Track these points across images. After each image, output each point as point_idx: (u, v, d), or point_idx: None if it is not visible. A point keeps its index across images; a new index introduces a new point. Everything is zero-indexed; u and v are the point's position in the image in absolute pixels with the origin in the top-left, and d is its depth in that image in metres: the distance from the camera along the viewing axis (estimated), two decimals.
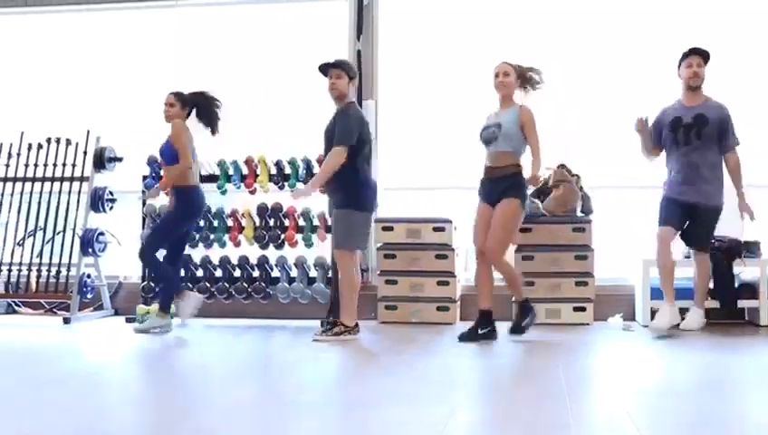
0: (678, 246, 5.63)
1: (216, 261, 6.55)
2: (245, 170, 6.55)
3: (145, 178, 6.59)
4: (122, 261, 6.86)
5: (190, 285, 6.49)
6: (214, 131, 5.81)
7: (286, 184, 6.47)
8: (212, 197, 6.51)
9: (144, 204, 6.57)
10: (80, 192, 6.78)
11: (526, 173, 5.09)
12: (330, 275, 6.31)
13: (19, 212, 6.87)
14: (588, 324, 5.95)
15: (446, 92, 6.77)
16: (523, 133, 5.07)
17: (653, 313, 5.58)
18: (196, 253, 6.61)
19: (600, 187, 6.48)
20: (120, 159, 6.87)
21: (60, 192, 6.81)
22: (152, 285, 6.45)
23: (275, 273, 6.51)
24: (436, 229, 6.23)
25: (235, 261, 6.52)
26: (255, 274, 6.51)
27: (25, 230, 6.87)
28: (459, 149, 6.36)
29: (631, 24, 6.65)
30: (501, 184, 5.08)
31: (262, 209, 6.50)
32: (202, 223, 6.50)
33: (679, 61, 5.44)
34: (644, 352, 4.78)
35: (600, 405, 3.30)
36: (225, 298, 6.50)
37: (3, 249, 6.79)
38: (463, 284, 6.49)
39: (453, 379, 3.85)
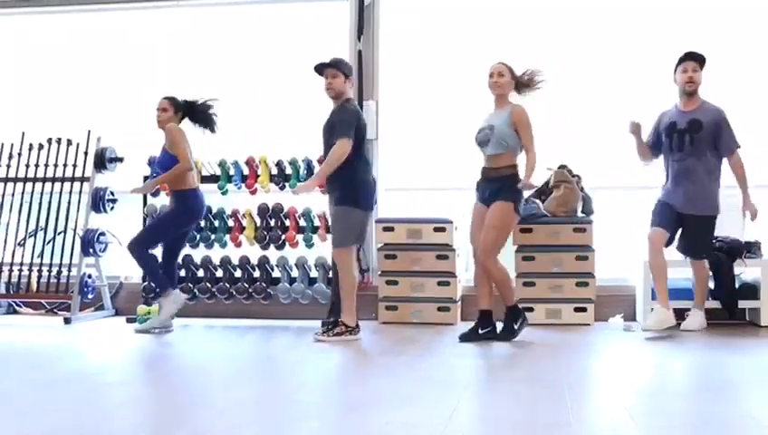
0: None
1: (216, 261, 6.55)
2: (246, 171, 6.56)
3: (146, 178, 6.59)
4: (123, 261, 6.85)
5: (191, 286, 6.50)
6: (213, 130, 5.82)
7: (287, 184, 6.47)
8: (213, 197, 6.51)
9: (145, 204, 6.57)
10: (81, 192, 6.78)
11: (523, 173, 5.08)
12: (330, 275, 6.31)
13: (20, 212, 6.87)
14: (589, 325, 5.95)
15: (447, 93, 6.76)
16: (518, 133, 5.07)
17: None
18: (197, 253, 6.61)
19: (600, 187, 6.48)
20: (120, 160, 6.88)
21: (61, 192, 6.81)
22: (152, 285, 6.45)
23: (276, 273, 6.51)
24: (436, 230, 6.23)
25: (235, 261, 6.52)
26: (256, 274, 6.51)
27: (26, 230, 6.87)
28: (460, 149, 6.35)
29: (633, 24, 6.64)
30: (495, 185, 5.08)
31: (263, 210, 6.50)
32: (203, 223, 6.50)
33: (675, 66, 5.43)
34: (645, 352, 4.77)
35: (601, 405, 3.30)
36: (225, 298, 6.51)
37: (4, 249, 6.79)
38: (463, 284, 6.49)
39: (453, 379, 3.85)
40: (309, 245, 6.43)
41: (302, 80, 5.45)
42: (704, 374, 4.07)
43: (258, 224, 6.52)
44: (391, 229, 6.30)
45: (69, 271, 6.63)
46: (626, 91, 6.49)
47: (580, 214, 6.21)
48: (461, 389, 3.53)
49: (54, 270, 6.64)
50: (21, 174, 6.91)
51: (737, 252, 5.87)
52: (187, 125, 5.82)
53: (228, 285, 6.50)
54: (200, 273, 6.60)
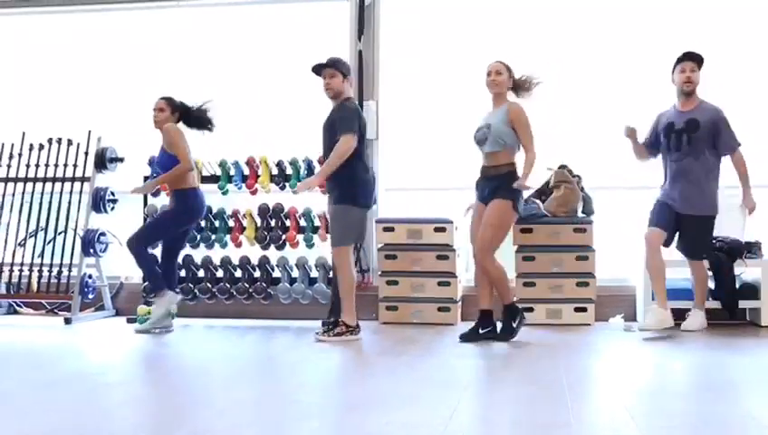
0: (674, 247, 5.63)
1: (217, 261, 6.55)
2: (247, 171, 6.56)
3: (146, 178, 6.59)
4: (124, 262, 6.85)
5: (191, 286, 6.50)
6: (211, 130, 5.83)
7: (287, 184, 6.47)
8: (213, 197, 6.52)
9: (146, 204, 6.57)
10: (81, 192, 6.78)
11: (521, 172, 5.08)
12: (330, 275, 6.31)
13: (20, 213, 6.88)
14: (589, 325, 5.95)
15: (448, 93, 6.76)
16: (515, 131, 5.07)
17: None
18: (198, 253, 6.61)
19: (601, 187, 6.48)
20: (121, 160, 6.88)
21: (61, 193, 6.81)
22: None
23: (276, 273, 6.51)
24: (437, 230, 6.23)
25: (236, 261, 6.52)
26: (257, 274, 6.51)
27: (27, 231, 6.87)
28: (460, 149, 6.36)
29: (634, 24, 6.64)
30: (493, 183, 5.09)
31: (263, 210, 6.50)
32: (203, 223, 6.50)
33: (673, 66, 5.43)
34: (645, 352, 4.77)
35: (602, 405, 3.30)
36: (226, 299, 6.51)
37: (4, 250, 6.80)
38: (464, 284, 6.49)
39: (454, 379, 3.84)
40: (309, 245, 6.43)
41: (303, 80, 5.45)
42: (704, 374, 4.06)
43: (258, 224, 6.52)
44: (391, 229, 6.30)
45: (69, 271, 6.63)
46: (626, 90, 6.50)
47: (580, 214, 6.21)
48: (461, 389, 3.53)
49: (55, 270, 6.65)
50: (21, 174, 6.91)
51: (737, 252, 5.86)
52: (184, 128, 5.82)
53: (229, 286, 6.50)
54: (201, 273, 6.60)
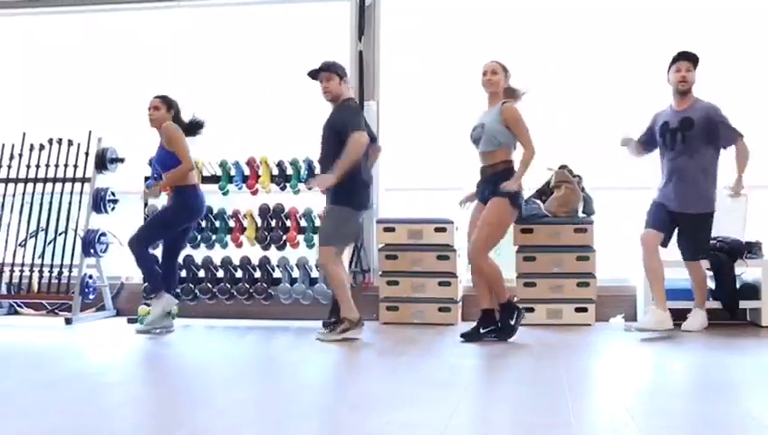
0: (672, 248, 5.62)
1: (217, 262, 6.55)
2: (247, 171, 6.56)
3: (147, 178, 6.59)
4: (124, 262, 6.85)
5: (191, 286, 6.50)
6: (201, 130, 5.85)
7: (288, 185, 6.47)
8: (214, 197, 6.52)
9: (146, 205, 6.58)
10: (81, 193, 6.78)
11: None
12: None
13: (21, 213, 6.88)
14: (589, 325, 5.95)
15: (448, 93, 6.76)
16: (510, 130, 5.07)
17: None
18: (198, 254, 6.61)
19: (601, 188, 6.48)
20: (121, 160, 6.88)
21: (62, 193, 6.81)
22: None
23: (277, 273, 6.51)
24: (437, 230, 6.23)
25: (236, 262, 6.52)
26: (257, 274, 6.51)
27: (27, 231, 6.88)
28: (460, 149, 6.36)
29: (634, 24, 6.64)
30: (491, 182, 5.09)
31: (264, 210, 6.50)
32: (204, 223, 6.50)
33: (668, 65, 5.42)
34: (645, 352, 4.77)
35: (602, 405, 3.30)
36: (226, 299, 6.51)
37: (5, 250, 6.80)
38: (464, 284, 6.49)
39: (454, 379, 3.85)
40: (310, 245, 6.42)
41: (303, 80, 5.45)
42: (704, 374, 4.06)
43: (259, 224, 6.53)
44: (392, 230, 6.30)
45: (70, 272, 6.64)
46: (626, 91, 6.50)
47: (581, 214, 6.21)
48: (462, 389, 3.54)
49: (55, 271, 6.65)
50: (22, 175, 6.92)
51: (738, 252, 5.86)
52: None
53: (229, 286, 6.50)
54: (201, 273, 6.60)
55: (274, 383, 3.78)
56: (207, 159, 6.55)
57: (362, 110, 6.24)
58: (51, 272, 6.66)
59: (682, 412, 3.11)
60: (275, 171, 6.51)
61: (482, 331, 5.11)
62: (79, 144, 6.84)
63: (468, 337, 5.10)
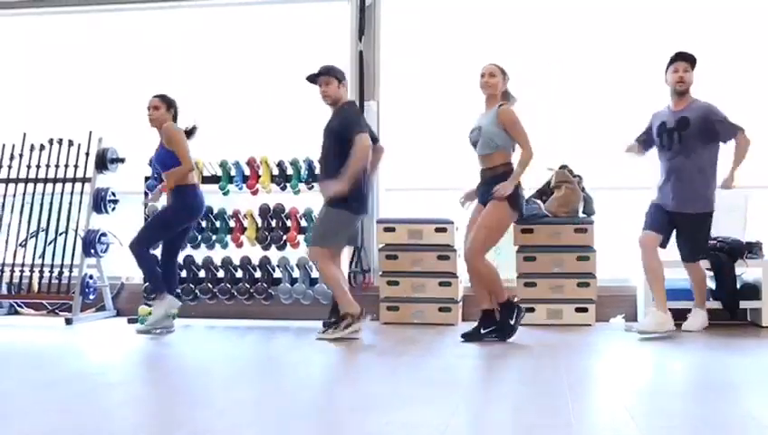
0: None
1: (218, 262, 6.56)
2: (248, 171, 6.56)
3: (147, 178, 6.60)
4: (124, 262, 6.85)
5: (192, 286, 6.51)
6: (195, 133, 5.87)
7: (288, 185, 6.47)
8: (214, 197, 6.52)
9: (146, 205, 6.57)
10: (82, 193, 6.79)
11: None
12: None
13: (21, 213, 6.88)
14: (590, 325, 5.95)
15: (449, 93, 6.76)
16: (508, 133, 5.07)
17: None
18: (199, 254, 6.61)
19: (601, 188, 6.48)
20: (122, 160, 6.88)
21: (62, 193, 6.82)
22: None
23: (277, 273, 6.51)
24: (437, 230, 6.23)
25: (237, 262, 6.53)
26: (257, 274, 6.51)
27: (28, 231, 6.88)
28: (461, 149, 6.36)
29: (635, 24, 6.64)
30: (491, 185, 5.09)
31: (264, 210, 6.50)
32: (204, 224, 6.51)
33: (666, 66, 5.42)
34: (645, 352, 4.77)
35: (602, 405, 3.30)
36: (227, 299, 6.51)
37: (5, 250, 6.80)
38: (464, 284, 6.48)
39: (454, 379, 3.85)
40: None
41: (303, 80, 5.45)
42: (704, 374, 4.06)
43: (259, 224, 6.53)
44: (392, 230, 6.30)
45: (70, 272, 6.64)
46: (627, 91, 6.50)
47: (581, 214, 6.21)
48: (462, 389, 3.54)
49: (56, 271, 6.66)
50: (22, 175, 6.92)
51: (738, 252, 5.86)
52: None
53: (229, 286, 6.50)
54: (201, 273, 6.60)
55: (274, 383, 3.78)
56: (208, 159, 6.55)
57: (362, 110, 6.25)
58: (51, 272, 6.66)
59: (682, 412, 3.11)
60: (276, 171, 6.52)
61: (482, 331, 5.11)
62: (79, 144, 6.85)
63: (469, 337, 5.10)
